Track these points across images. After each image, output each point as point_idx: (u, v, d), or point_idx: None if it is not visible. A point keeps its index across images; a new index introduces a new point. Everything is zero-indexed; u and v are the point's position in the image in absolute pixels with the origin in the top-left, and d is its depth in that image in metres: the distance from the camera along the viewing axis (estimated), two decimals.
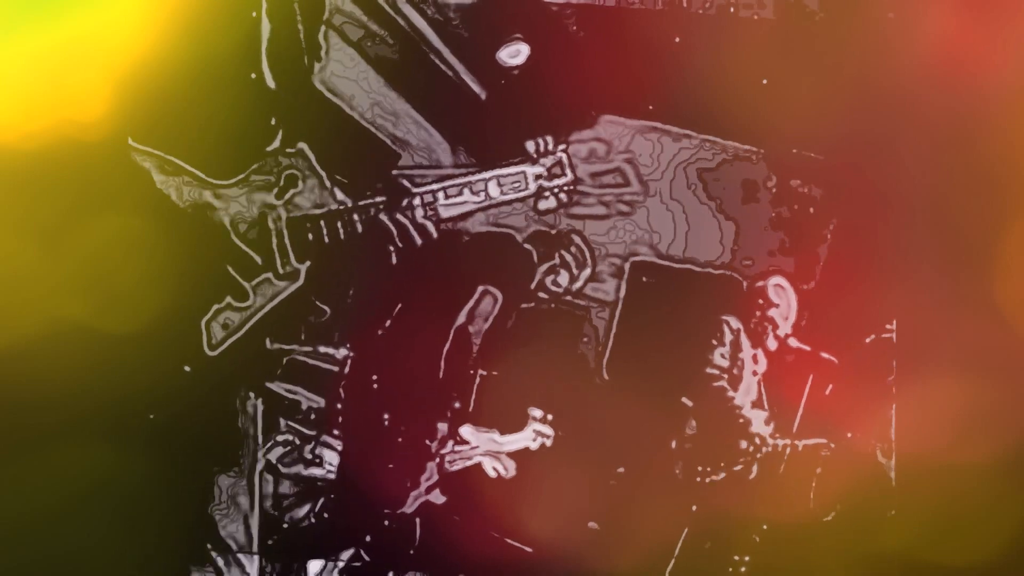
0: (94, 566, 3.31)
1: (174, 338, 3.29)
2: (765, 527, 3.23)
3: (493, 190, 3.24)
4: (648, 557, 3.25)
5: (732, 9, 3.24)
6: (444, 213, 3.27)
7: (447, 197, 3.27)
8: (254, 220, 3.31)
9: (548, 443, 3.25)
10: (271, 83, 3.28)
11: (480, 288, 3.22)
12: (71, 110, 3.25)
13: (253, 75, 3.29)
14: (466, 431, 3.25)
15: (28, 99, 3.24)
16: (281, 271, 3.31)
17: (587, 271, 3.25)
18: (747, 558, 3.25)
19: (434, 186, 3.26)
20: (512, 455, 3.28)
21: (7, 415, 3.27)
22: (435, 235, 3.27)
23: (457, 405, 3.24)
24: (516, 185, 3.24)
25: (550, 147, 3.24)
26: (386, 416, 3.26)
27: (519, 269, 3.23)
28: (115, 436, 3.29)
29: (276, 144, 3.29)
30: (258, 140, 3.30)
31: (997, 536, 3.13)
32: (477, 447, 3.24)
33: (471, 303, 3.21)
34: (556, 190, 3.25)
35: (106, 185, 3.28)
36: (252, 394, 3.34)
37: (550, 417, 3.26)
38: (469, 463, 3.26)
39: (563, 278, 3.23)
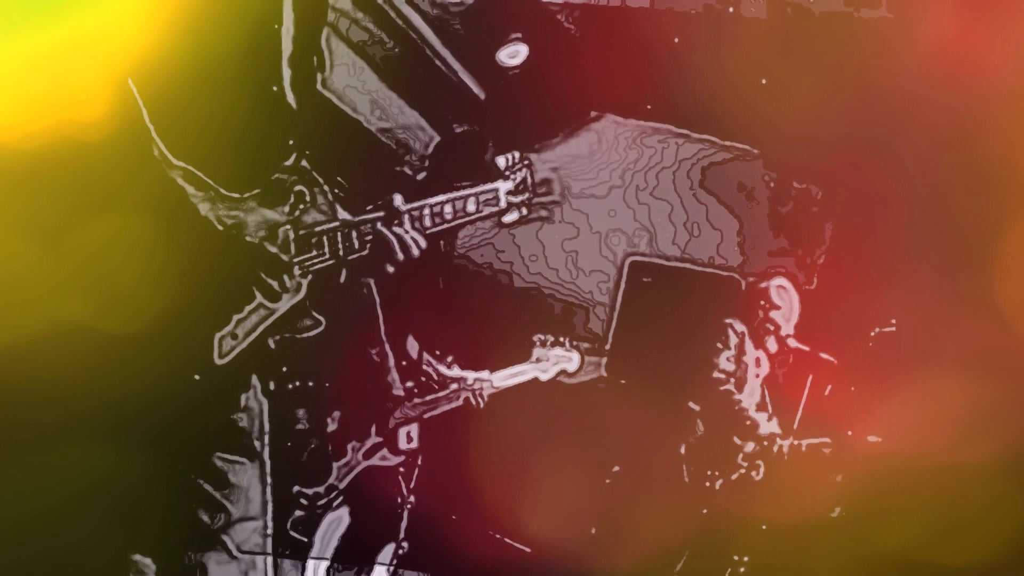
0: (94, 566, 3.32)
1: (177, 340, 3.30)
2: (765, 527, 3.23)
3: (471, 207, 3.30)
4: (653, 560, 3.26)
5: (731, 9, 3.25)
6: (428, 227, 3.33)
7: (432, 214, 3.31)
8: (267, 234, 3.34)
9: (570, 367, 3.29)
10: (291, 97, 3.31)
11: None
12: (71, 110, 3.26)
13: (275, 88, 3.31)
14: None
15: (28, 99, 3.25)
16: (288, 285, 3.34)
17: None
18: (747, 558, 3.25)
19: (420, 203, 3.32)
20: (513, 455, 3.29)
21: (7, 415, 3.28)
22: (424, 246, 3.33)
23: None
24: (489, 201, 3.31)
25: (517, 162, 3.28)
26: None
27: None
28: (115, 436, 3.30)
29: (291, 160, 3.33)
30: (273, 154, 3.33)
31: (997, 536, 3.13)
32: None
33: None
34: (520, 205, 3.31)
35: (106, 185, 3.29)
36: (257, 393, 3.36)
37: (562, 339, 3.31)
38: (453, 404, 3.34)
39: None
